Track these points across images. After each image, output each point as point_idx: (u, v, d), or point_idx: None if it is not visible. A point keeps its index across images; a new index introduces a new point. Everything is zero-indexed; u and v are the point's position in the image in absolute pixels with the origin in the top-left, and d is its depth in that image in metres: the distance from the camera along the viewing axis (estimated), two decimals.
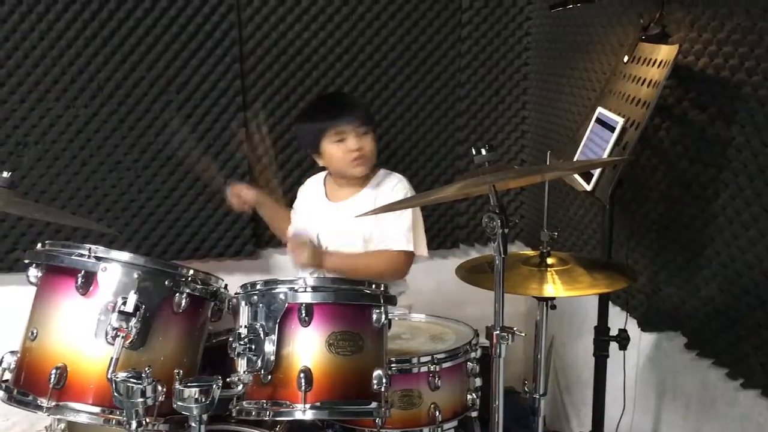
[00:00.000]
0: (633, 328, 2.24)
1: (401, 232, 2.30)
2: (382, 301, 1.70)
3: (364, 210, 1.96)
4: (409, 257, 2.33)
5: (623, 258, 2.22)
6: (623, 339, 2.12)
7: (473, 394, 1.98)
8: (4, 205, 1.85)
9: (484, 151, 1.63)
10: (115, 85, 2.67)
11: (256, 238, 2.90)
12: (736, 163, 1.80)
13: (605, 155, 1.92)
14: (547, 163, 2.05)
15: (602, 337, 2.15)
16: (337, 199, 2.45)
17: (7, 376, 1.69)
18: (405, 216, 2.31)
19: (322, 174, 2.54)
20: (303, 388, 1.59)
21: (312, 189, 2.55)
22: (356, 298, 1.71)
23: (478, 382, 1.99)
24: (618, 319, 2.25)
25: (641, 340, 2.31)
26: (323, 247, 2.39)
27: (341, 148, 2.32)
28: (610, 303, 2.21)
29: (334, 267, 2.30)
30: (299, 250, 2.28)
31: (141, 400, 1.48)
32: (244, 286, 1.72)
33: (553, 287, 1.86)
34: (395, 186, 2.37)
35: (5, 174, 1.89)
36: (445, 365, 1.90)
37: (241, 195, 2.51)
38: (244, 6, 2.71)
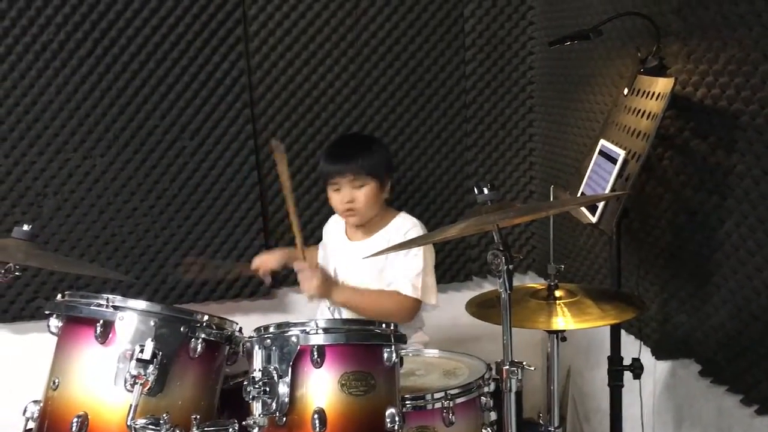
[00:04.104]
0: (647, 356, 2.24)
1: (409, 277, 2.33)
2: (392, 340, 1.73)
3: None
4: (416, 304, 2.35)
5: (633, 287, 2.23)
6: (636, 368, 2.12)
7: (488, 429, 1.98)
8: (24, 257, 1.91)
9: (486, 190, 1.66)
10: (130, 134, 2.74)
11: (272, 278, 2.94)
12: (739, 191, 1.82)
13: (608, 188, 1.94)
14: (551, 198, 2.08)
15: (616, 367, 2.15)
16: (354, 238, 2.53)
17: (31, 425, 1.73)
18: (416, 261, 2.34)
19: None
20: (317, 429, 1.61)
21: (334, 227, 2.64)
22: (367, 338, 1.74)
23: (492, 416, 2.00)
24: (633, 347, 2.25)
25: (656, 369, 2.31)
26: (340, 281, 2.45)
27: (337, 197, 2.43)
28: (624, 332, 2.22)
29: (343, 300, 2.35)
30: (309, 278, 2.31)
31: None
32: (257, 330, 1.75)
33: (562, 320, 1.87)
34: (408, 231, 2.42)
35: (26, 227, 1.95)
36: (458, 400, 1.91)
37: (265, 264, 2.59)
38: (253, 53, 2.79)
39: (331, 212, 2.70)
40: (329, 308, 2.47)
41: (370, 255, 1.93)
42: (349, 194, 2.38)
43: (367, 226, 2.49)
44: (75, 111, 2.70)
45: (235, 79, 2.78)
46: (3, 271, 1.88)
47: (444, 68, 2.94)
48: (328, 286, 2.34)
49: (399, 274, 2.34)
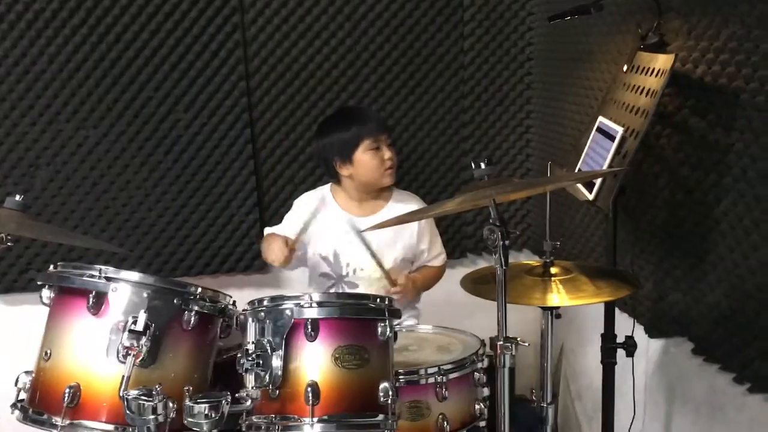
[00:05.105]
0: (641, 334, 2.25)
1: (440, 249, 2.60)
2: (386, 315, 1.73)
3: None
4: (445, 268, 2.64)
5: (628, 265, 2.23)
6: (630, 346, 2.12)
7: (481, 404, 1.99)
8: (17, 228, 1.89)
9: (483, 165, 1.65)
10: (123, 105, 2.72)
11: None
12: (737, 169, 1.81)
13: (606, 165, 1.93)
14: (548, 174, 2.07)
15: (609, 345, 2.15)
16: (361, 213, 2.47)
17: (23, 395, 1.72)
18: (437, 234, 2.59)
19: (323, 189, 2.56)
20: (311, 402, 1.61)
21: (317, 204, 2.52)
22: (361, 312, 1.74)
23: (485, 391, 2.01)
24: (626, 325, 2.26)
25: (649, 347, 2.32)
26: (353, 266, 2.45)
27: (377, 157, 2.40)
28: (617, 310, 2.22)
29: (419, 289, 2.53)
30: (407, 293, 2.41)
31: (152, 417, 1.51)
32: (251, 303, 1.75)
33: (557, 296, 1.87)
34: (417, 204, 2.51)
35: (18, 197, 1.93)
36: (452, 376, 1.92)
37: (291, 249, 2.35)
38: (249, 25, 2.76)
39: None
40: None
41: (372, 227, 2.01)
42: (390, 152, 2.43)
43: (371, 198, 2.48)
44: (68, 81, 2.67)
45: (230, 51, 2.75)
46: None
47: (442, 43, 2.91)
48: (414, 284, 2.47)
49: (435, 249, 2.58)
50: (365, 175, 2.42)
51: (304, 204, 2.56)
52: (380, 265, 2.33)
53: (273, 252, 2.35)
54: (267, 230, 2.60)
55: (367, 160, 2.39)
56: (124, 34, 2.66)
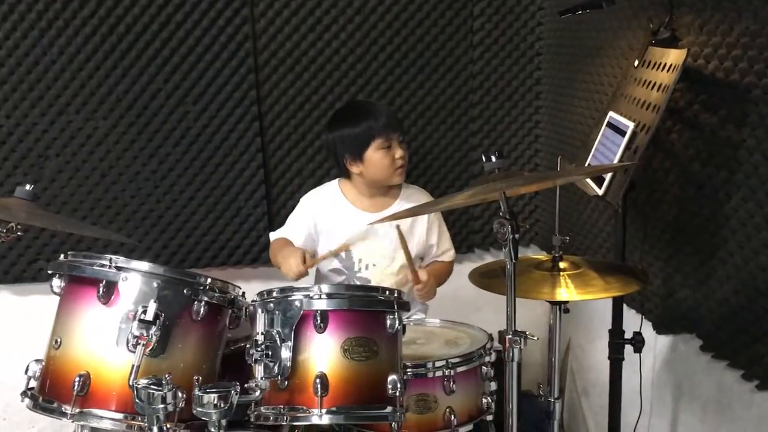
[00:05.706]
0: (648, 330, 2.24)
1: (449, 245, 2.59)
2: (395, 307, 1.73)
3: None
4: (453, 265, 2.63)
5: (637, 261, 2.23)
6: (638, 342, 2.12)
7: (488, 398, 1.99)
8: (27, 217, 1.90)
9: (494, 158, 1.65)
10: (133, 97, 2.72)
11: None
12: (748, 166, 1.81)
13: (616, 160, 1.93)
14: (558, 168, 2.07)
15: (617, 340, 2.15)
16: (372, 209, 2.46)
17: (33, 383, 1.73)
18: (445, 229, 2.58)
19: (331, 185, 2.55)
20: (319, 393, 1.62)
21: (328, 200, 2.51)
22: (370, 305, 1.74)
23: (493, 385, 2.01)
24: (633, 321, 2.25)
25: (657, 343, 2.31)
26: (365, 261, 2.44)
27: (388, 155, 2.37)
28: (626, 306, 2.22)
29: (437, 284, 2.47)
30: (430, 288, 2.37)
31: (162, 406, 1.52)
32: (260, 294, 1.75)
33: (566, 291, 1.87)
34: (426, 199, 2.51)
35: (28, 186, 1.94)
36: (459, 369, 1.92)
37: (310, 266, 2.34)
38: (258, 17, 2.76)
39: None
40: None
41: (381, 220, 2.04)
42: (401, 150, 2.40)
43: (381, 194, 2.46)
44: (78, 72, 2.67)
45: (239, 44, 2.74)
46: (5, 231, 1.88)
47: (451, 37, 2.91)
48: (435, 285, 2.43)
49: (445, 244, 2.58)
50: (375, 174, 2.39)
51: (310, 202, 2.53)
52: (409, 259, 2.31)
53: (290, 268, 2.25)
54: (272, 235, 2.55)
55: (378, 159, 2.36)
56: (134, 25, 2.66)
